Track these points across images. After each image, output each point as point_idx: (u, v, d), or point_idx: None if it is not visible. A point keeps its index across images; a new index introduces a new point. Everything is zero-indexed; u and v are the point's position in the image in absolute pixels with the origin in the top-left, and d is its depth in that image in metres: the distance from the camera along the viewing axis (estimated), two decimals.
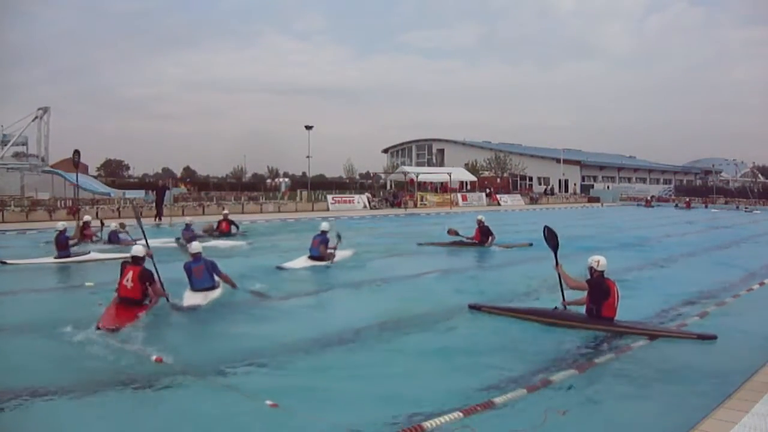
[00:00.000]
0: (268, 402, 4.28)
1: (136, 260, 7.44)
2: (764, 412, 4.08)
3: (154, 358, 5.41)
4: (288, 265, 11.31)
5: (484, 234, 14.51)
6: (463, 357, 5.93)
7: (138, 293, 7.23)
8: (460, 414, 3.98)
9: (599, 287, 6.64)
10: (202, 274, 8.17)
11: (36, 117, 35.02)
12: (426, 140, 76.26)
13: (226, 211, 18.32)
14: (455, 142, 71.85)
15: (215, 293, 8.23)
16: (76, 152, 20.58)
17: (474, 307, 7.71)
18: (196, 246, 8.55)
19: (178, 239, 14.74)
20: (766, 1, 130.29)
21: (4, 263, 11.41)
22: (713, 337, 6.33)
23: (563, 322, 6.88)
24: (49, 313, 7.50)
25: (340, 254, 12.16)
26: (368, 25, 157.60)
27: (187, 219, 16.65)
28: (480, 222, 14.70)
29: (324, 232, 11.84)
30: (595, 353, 5.89)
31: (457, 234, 14.84)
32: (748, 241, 19.37)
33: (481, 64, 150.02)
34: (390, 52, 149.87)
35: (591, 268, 6.78)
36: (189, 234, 14.83)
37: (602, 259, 6.75)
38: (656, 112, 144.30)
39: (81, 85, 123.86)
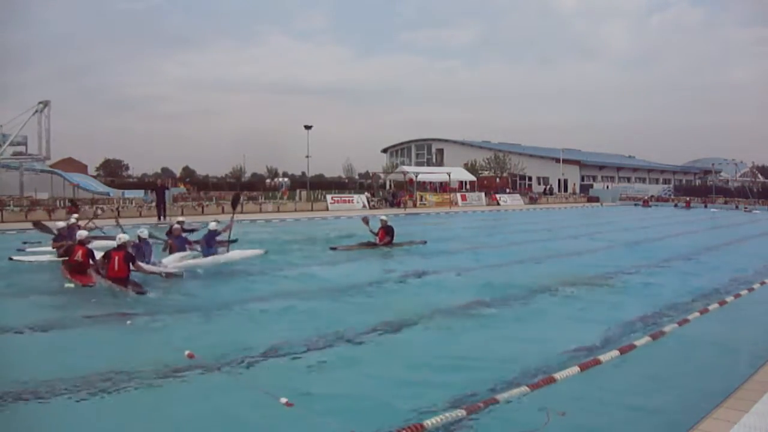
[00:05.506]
0: (283, 400, 4.25)
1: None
2: (764, 412, 4.08)
3: (186, 353, 5.42)
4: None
5: (388, 233, 14.73)
6: (460, 356, 5.94)
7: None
8: (463, 411, 3.96)
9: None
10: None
11: (36, 111, 33.95)
12: (425, 140, 76.16)
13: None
14: (455, 142, 71.73)
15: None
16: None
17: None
18: (146, 232, 10.81)
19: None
20: (767, 1, 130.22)
21: (12, 260, 11.54)
22: None
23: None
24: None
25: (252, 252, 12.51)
26: (369, 25, 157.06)
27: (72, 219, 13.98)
28: (384, 222, 14.98)
29: (212, 231, 12.13)
30: (597, 351, 5.90)
31: (367, 223, 14.98)
32: (748, 241, 19.43)
33: (481, 64, 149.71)
34: (390, 52, 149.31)
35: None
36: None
37: (125, 236, 9.28)
38: (656, 112, 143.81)
39: (81, 84, 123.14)
